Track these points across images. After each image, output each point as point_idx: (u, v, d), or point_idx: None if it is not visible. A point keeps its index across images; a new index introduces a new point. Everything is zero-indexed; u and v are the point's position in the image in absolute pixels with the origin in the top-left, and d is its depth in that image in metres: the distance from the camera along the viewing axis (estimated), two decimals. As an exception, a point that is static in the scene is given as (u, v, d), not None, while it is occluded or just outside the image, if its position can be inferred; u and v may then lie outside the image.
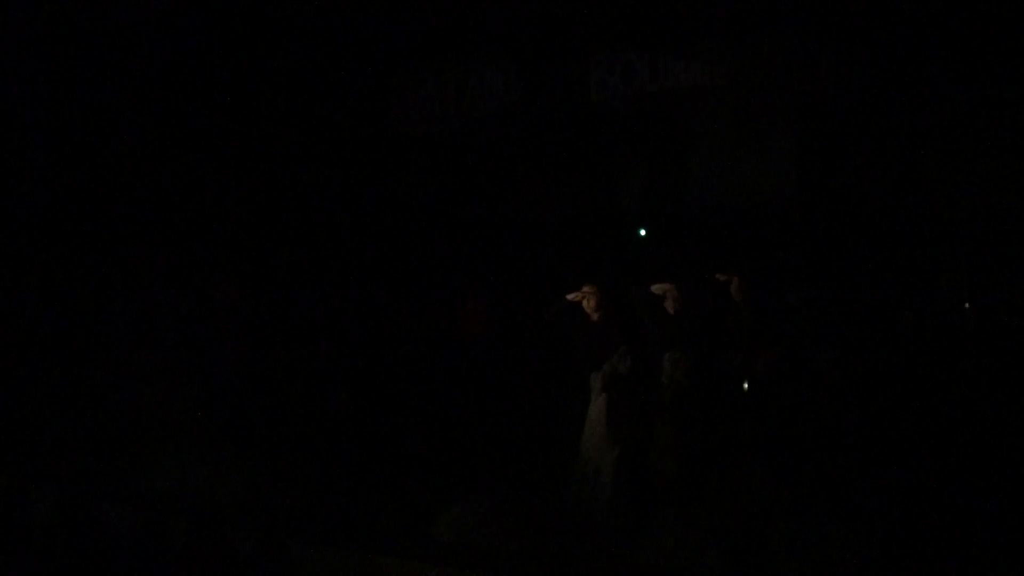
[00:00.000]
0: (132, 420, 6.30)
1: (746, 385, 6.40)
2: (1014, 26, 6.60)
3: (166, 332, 6.64)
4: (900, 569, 3.64)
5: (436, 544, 4.25)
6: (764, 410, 5.64)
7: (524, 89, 9.02)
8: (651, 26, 8.39)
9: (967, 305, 6.84)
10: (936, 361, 5.63)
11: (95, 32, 7.73)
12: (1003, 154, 7.07)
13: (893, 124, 7.75)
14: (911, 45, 7.28)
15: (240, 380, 6.57)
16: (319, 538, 4.30)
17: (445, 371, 9.79)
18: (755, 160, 8.93)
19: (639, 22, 8.33)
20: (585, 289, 6.15)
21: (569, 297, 6.81)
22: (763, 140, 8.93)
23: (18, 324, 7.23)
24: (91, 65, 8.17)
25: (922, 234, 7.61)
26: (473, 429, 8.33)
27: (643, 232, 9.67)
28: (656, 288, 6.16)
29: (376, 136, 9.80)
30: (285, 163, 9.75)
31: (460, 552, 4.08)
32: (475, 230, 10.68)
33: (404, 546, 4.18)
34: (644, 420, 5.19)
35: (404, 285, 10.30)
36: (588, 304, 6.13)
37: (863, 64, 7.70)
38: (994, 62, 6.82)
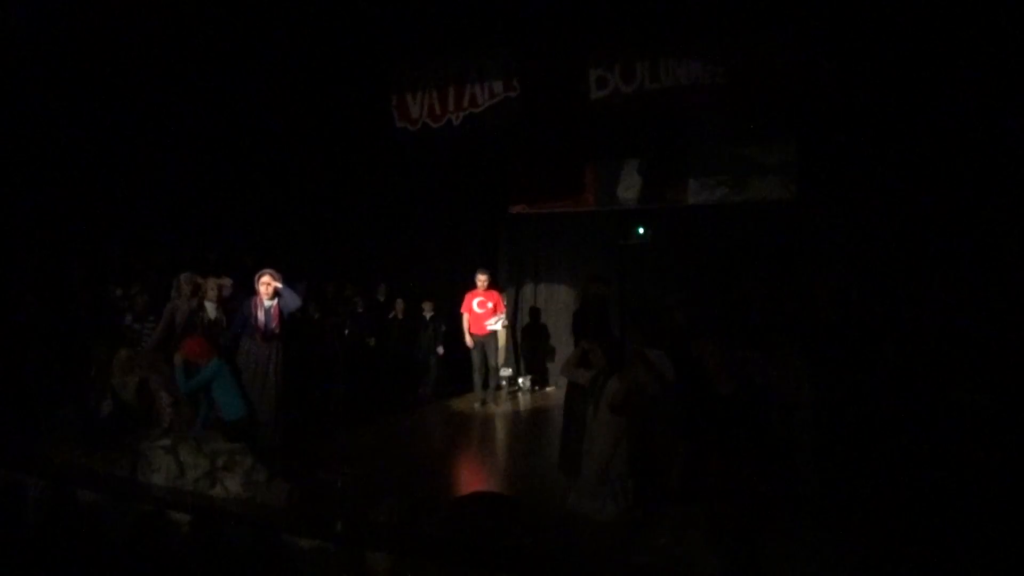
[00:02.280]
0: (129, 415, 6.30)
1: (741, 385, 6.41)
2: (1013, 23, 6.59)
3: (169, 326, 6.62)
4: (898, 569, 3.64)
5: (433, 541, 4.24)
6: (761, 409, 5.64)
7: (523, 87, 8.99)
8: (651, 24, 8.36)
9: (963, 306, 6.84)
10: (934, 361, 5.63)
11: (95, 30, 7.69)
12: (1003, 151, 7.07)
13: (893, 123, 7.75)
14: (911, 43, 7.27)
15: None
16: (316, 534, 4.29)
17: (443, 367, 9.83)
18: (755, 159, 8.94)
19: (639, 20, 8.30)
20: None
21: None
22: (763, 139, 8.93)
23: (16, 316, 7.20)
24: (90, 63, 8.14)
25: (921, 233, 7.61)
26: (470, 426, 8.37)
27: (642, 230, 9.68)
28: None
29: (374, 134, 9.77)
30: (284, 162, 9.74)
31: (459, 551, 4.06)
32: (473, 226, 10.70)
33: (401, 543, 4.17)
34: (638, 419, 5.19)
35: (403, 282, 10.32)
36: None
37: (862, 63, 7.68)
38: (994, 59, 6.82)
